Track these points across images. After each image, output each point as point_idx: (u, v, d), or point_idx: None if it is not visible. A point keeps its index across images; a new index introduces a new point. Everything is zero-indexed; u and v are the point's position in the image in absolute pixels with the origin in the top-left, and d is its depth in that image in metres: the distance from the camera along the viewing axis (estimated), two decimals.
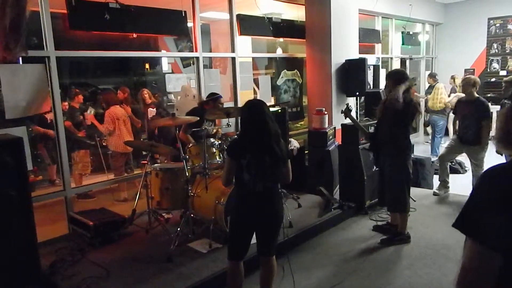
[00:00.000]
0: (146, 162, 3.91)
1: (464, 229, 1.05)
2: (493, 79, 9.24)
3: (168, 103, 6.91)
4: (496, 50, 9.28)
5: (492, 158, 5.01)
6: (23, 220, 2.70)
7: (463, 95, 5.32)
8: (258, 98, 5.62)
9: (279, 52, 7.04)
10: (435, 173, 5.86)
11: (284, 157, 2.57)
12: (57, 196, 4.07)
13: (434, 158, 6.32)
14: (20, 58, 3.70)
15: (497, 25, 9.21)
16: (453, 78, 8.40)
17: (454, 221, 1.08)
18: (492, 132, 6.97)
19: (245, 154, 2.48)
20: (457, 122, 5.13)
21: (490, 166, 1.08)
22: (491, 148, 5.11)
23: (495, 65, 9.31)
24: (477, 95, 4.93)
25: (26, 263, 2.74)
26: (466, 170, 6.41)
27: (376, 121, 4.03)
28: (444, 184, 5.26)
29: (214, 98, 4.28)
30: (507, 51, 9.18)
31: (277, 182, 2.62)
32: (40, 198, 3.91)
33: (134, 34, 4.73)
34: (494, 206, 1.00)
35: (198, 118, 3.81)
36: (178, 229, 3.44)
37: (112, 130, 5.19)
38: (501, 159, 4.69)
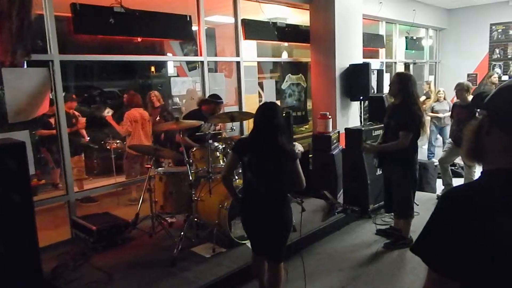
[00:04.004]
0: (149, 166, 3.90)
1: (420, 254, 0.99)
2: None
3: (173, 107, 6.91)
4: (499, 55, 9.31)
5: None
6: (25, 225, 2.68)
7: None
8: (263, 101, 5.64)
9: (284, 56, 7.04)
10: (438, 177, 5.85)
11: (289, 160, 2.52)
12: (59, 200, 4.05)
13: (437, 162, 6.31)
14: (25, 62, 3.71)
15: (499, 30, 9.24)
16: (428, 84, 8.40)
17: (412, 245, 1.01)
18: None
19: (246, 152, 2.55)
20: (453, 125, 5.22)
21: (453, 186, 1.04)
22: None
23: (498, 70, 9.31)
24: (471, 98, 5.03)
25: (28, 268, 2.72)
26: None
27: (382, 125, 4.00)
28: (448, 189, 5.25)
29: (214, 101, 4.21)
30: (509, 56, 9.20)
31: (283, 186, 2.58)
32: (43, 202, 3.89)
33: (139, 38, 4.74)
34: (448, 231, 0.94)
35: (202, 122, 3.80)
36: (182, 233, 3.43)
37: (130, 132, 5.19)
38: None
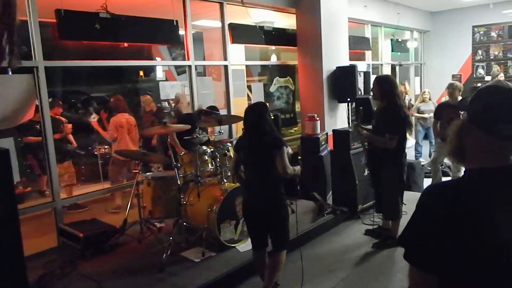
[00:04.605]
0: (137, 171, 3.87)
1: (402, 247, 1.03)
2: (479, 84, 9.43)
3: (163, 111, 6.88)
4: (481, 56, 9.51)
5: None
6: (9, 234, 2.63)
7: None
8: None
9: (273, 59, 7.09)
10: (425, 176, 5.93)
11: (274, 149, 2.68)
12: (46, 207, 3.99)
13: (423, 162, 6.42)
14: (9, 69, 3.66)
15: (481, 32, 9.45)
16: (402, 84, 8.52)
17: (400, 235, 1.05)
18: None
19: (240, 148, 2.88)
20: (438, 125, 5.28)
21: (435, 183, 1.07)
22: None
23: (481, 71, 9.52)
24: (460, 99, 5.16)
25: (13, 278, 2.67)
26: None
27: (370, 127, 4.03)
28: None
29: (213, 112, 4.32)
30: (491, 57, 9.41)
31: (273, 177, 2.74)
32: (29, 210, 3.83)
33: (125, 43, 4.72)
34: (427, 227, 0.98)
35: (190, 126, 3.80)
36: (171, 238, 3.40)
37: (115, 137, 5.15)
38: None
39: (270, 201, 2.76)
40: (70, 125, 5.48)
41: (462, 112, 5.03)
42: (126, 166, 5.33)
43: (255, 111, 2.84)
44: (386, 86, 3.64)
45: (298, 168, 2.87)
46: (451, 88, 5.24)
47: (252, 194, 2.83)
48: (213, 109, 4.40)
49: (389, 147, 3.58)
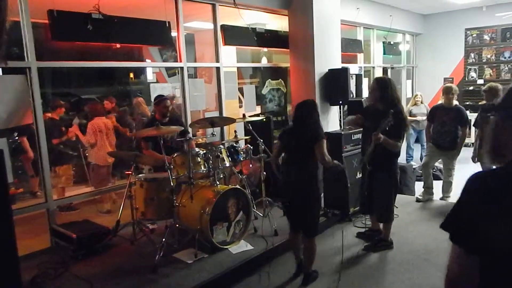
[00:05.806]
0: (130, 172, 3.88)
1: (447, 230, 1.08)
2: (471, 88, 9.54)
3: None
4: (474, 60, 9.59)
5: (466, 164, 5.18)
6: (3, 234, 2.64)
7: None
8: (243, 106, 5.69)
9: (264, 62, 7.11)
10: (417, 180, 6.00)
11: (314, 141, 3.04)
12: (39, 208, 3.98)
13: (415, 165, 6.48)
14: (0, 69, 3.65)
15: (474, 35, 9.53)
16: None
17: (443, 221, 1.10)
18: (469, 139, 7.14)
19: (285, 137, 3.25)
20: (431, 128, 5.26)
21: (478, 171, 1.10)
22: (463, 154, 5.29)
23: (473, 74, 9.61)
24: (455, 102, 5.14)
25: (6, 278, 2.67)
26: None
27: (361, 129, 4.06)
28: (428, 191, 5.40)
29: (156, 102, 4.18)
30: (483, 61, 9.49)
31: (307, 164, 3.10)
32: (22, 211, 3.82)
33: (117, 44, 4.72)
34: (475, 210, 1.02)
35: (183, 128, 3.81)
36: (163, 239, 3.42)
37: (93, 143, 5.12)
38: (477, 167, 4.83)
39: (304, 186, 3.09)
40: (72, 128, 5.47)
41: (489, 115, 4.91)
42: (106, 171, 5.29)
43: (302, 107, 3.23)
44: (386, 88, 3.62)
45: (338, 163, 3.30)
46: (450, 94, 5.11)
47: (291, 178, 3.18)
48: (155, 99, 4.28)
49: (396, 150, 3.65)
